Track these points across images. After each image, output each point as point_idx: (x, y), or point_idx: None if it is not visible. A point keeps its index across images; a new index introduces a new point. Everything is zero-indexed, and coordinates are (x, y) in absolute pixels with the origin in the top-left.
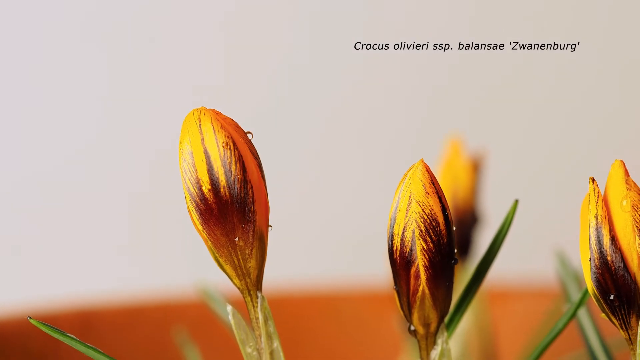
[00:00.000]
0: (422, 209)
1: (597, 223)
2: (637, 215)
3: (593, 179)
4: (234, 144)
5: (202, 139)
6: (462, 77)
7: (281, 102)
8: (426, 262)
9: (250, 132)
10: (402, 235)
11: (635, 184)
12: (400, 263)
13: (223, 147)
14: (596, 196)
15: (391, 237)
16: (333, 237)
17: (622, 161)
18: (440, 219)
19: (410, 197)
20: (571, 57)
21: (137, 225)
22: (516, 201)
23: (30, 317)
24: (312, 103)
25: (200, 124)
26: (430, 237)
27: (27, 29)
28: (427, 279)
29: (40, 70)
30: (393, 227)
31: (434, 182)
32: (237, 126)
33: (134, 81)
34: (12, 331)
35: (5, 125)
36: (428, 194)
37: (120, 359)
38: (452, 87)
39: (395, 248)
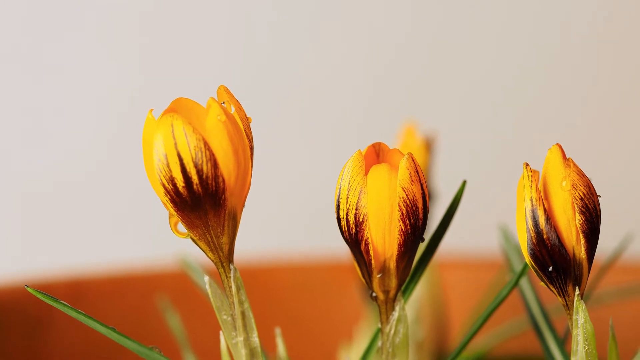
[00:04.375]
0: (406, 195)
1: (532, 205)
2: (577, 194)
3: (527, 164)
4: (205, 145)
5: (175, 144)
6: (420, 68)
7: (258, 89)
8: (401, 242)
9: (249, 118)
10: (347, 219)
11: (575, 164)
12: (350, 242)
13: (195, 150)
14: (530, 180)
15: (339, 221)
16: (301, 213)
17: (559, 145)
18: (420, 205)
19: (349, 184)
20: (521, 48)
21: (124, 202)
22: (464, 182)
23: (27, 286)
24: (295, 92)
25: (173, 130)
26: (410, 220)
27: None
28: (398, 255)
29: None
30: (338, 212)
31: (418, 171)
32: (239, 108)
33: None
34: (11, 298)
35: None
36: (413, 181)
37: (107, 323)
38: (411, 77)
39: (343, 230)
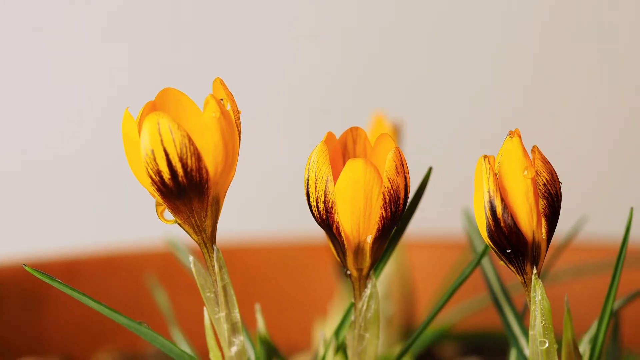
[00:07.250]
0: (391, 185)
1: (490, 196)
2: (540, 180)
3: (485, 156)
4: (190, 140)
5: (162, 140)
6: (387, 59)
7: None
8: (380, 227)
9: (239, 110)
10: (317, 205)
11: (540, 151)
12: (323, 225)
13: (180, 145)
14: (488, 172)
15: (310, 207)
16: (278, 196)
17: (519, 134)
18: (402, 195)
19: (316, 173)
20: (481, 36)
21: (116, 187)
22: (430, 168)
23: (25, 265)
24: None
25: (159, 126)
26: (391, 208)
27: None
28: (375, 238)
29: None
30: (309, 199)
31: (403, 163)
32: (232, 101)
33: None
34: (10, 276)
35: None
36: (398, 173)
37: (99, 299)
38: (380, 67)
39: (315, 215)
